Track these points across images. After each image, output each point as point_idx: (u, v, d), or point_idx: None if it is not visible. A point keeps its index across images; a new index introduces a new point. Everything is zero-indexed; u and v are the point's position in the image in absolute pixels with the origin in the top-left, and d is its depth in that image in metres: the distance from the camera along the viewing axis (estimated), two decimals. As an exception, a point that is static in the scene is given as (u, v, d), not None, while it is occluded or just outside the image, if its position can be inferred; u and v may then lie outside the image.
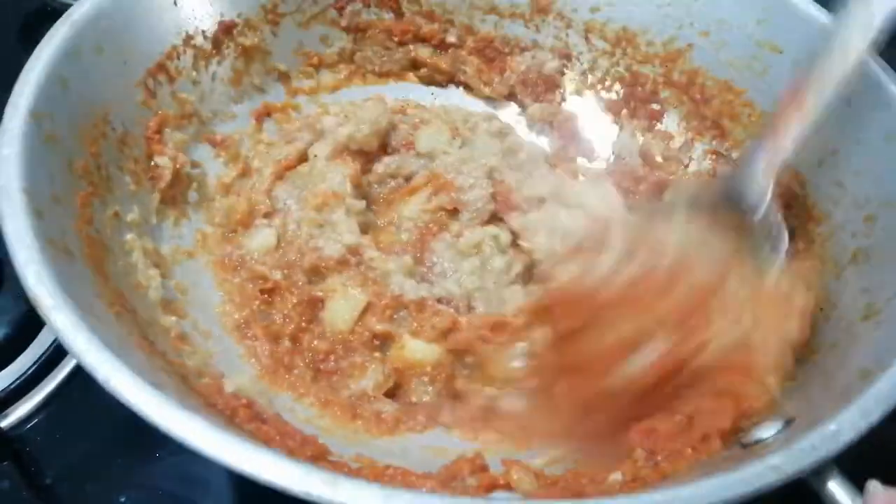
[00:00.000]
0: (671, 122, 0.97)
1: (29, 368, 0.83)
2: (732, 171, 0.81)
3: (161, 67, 0.83)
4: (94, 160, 0.72)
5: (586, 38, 1.00)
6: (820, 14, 0.83)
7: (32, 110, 0.66)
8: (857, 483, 0.53)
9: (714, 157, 0.94)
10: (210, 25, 0.88)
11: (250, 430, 0.61)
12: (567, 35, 1.00)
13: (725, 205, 0.77)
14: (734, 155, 0.92)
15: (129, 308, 0.66)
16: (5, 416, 0.81)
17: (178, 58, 0.85)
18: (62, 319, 0.53)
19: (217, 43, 0.89)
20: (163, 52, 0.83)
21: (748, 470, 0.50)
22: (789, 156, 0.75)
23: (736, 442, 0.61)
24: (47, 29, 0.74)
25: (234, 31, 0.90)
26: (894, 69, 0.77)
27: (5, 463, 0.76)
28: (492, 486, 0.63)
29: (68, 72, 0.71)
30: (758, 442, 0.58)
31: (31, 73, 0.68)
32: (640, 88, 0.98)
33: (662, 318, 0.68)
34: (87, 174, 0.71)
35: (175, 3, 0.84)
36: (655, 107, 0.98)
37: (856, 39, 0.72)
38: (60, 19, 0.73)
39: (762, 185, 0.76)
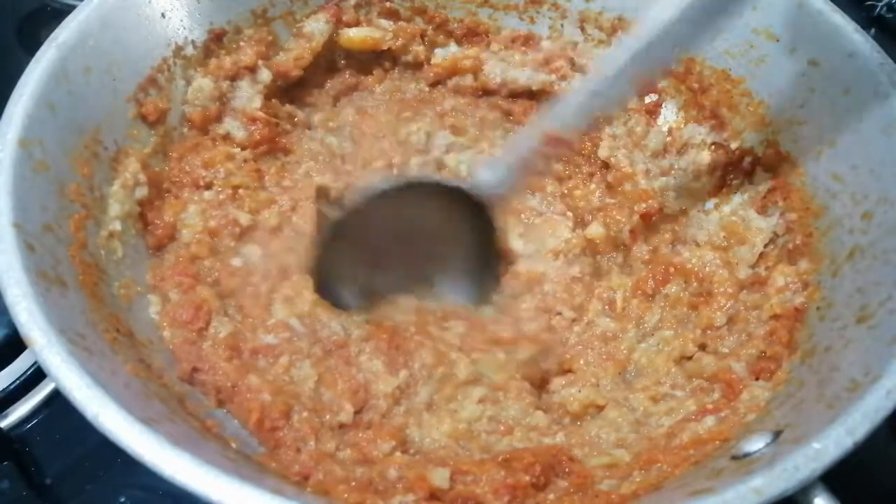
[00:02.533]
0: (669, 113, 0.96)
1: (29, 368, 0.85)
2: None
3: (152, 81, 0.83)
4: (86, 181, 0.73)
5: (581, 28, 0.98)
6: (816, 1, 0.81)
7: (22, 139, 0.67)
8: (844, 499, 0.53)
9: (713, 147, 0.92)
10: (200, 35, 0.87)
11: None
12: (562, 26, 0.99)
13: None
14: (733, 145, 0.90)
15: (124, 331, 0.68)
16: (5, 416, 0.83)
17: (169, 69, 0.85)
18: (52, 359, 0.55)
19: (208, 52, 0.88)
20: (153, 66, 0.83)
21: (729, 493, 0.50)
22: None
23: (726, 454, 0.61)
24: (47, 29, 0.74)
25: (225, 39, 0.90)
26: (894, 59, 0.76)
27: (5, 463, 0.78)
28: None
29: (56, 95, 0.72)
30: (746, 455, 0.58)
31: (19, 101, 0.68)
32: (636, 78, 0.96)
33: None
34: (80, 196, 0.71)
35: (163, 16, 0.84)
36: (654, 97, 0.96)
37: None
38: (46, 42, 0.73)
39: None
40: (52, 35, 0.74)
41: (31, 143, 0.67)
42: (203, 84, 0.86)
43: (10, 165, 0.65)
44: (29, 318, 0.57)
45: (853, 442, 0.53)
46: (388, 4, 0.99)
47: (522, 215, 0.93)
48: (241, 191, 0.85)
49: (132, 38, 0.81)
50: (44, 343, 0.56)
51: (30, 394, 0.84)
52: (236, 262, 0.81)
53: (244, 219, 0.83)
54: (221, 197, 0.83)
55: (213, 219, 0.81)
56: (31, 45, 0.72)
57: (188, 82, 0.86)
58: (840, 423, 0.54)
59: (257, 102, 0.89)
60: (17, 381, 0.85)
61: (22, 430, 0.82)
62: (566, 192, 0.95)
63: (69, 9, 0.77)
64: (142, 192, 0.78)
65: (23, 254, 0.60)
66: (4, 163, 0.65)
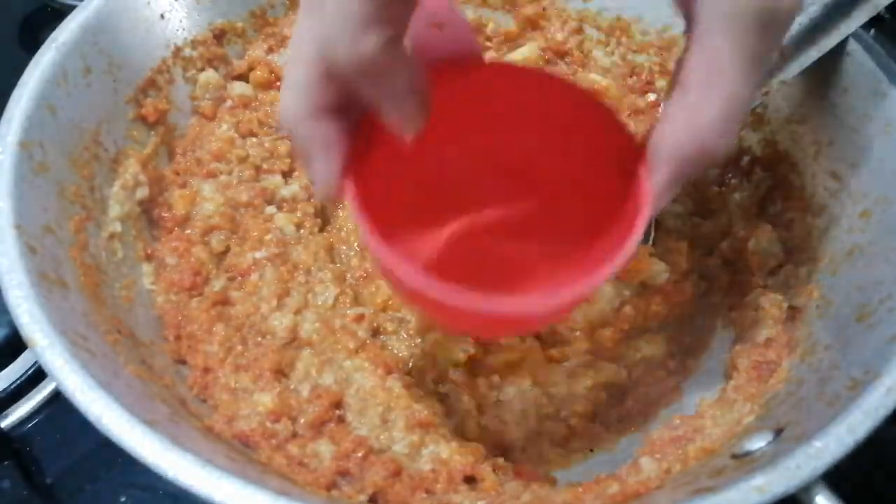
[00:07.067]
0: (667, 113, 0.96)
1: (29, 368, 0.85)
2: None
3: (151, 82, 0.83)
4: (86, 183, 0.73)
5: (579, 28, 0.98)
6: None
7: (21, 141, 0.67)
8: (846, 496, 0.53)
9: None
10: (199, 36, 0.87)
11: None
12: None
13: None
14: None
15: (126, 332, 0.68)
16: (6, 415, 0.83)
17: (169, 71, 0.85)
18: (55, 360, 0.55)
19: (207, 52, 0.88)
20: (153, 67, 0.83)
21: (731, 492, 0.50)
22: None
23: (726, 453, 0.61)
24: (47, 29, 0.74)
25: (224, 40, 0.90)
26: (892, 58, 0.76)
27: (6, 462, 0.78)
28: None
29: (56, 97, 0.72)
30: (747, 454, 0.58)
31: (18, 102, 0.68)
32: (635, 79, 0.97)
33: None
34: (80, 198, 0.71)
35: (162, 17, 0.84)
36: (652, 96, 0.96)
37: None
38: (45, 43, 0.73)
39: None
40: (52, 36, 0.74)
41: (31, 144, 0.68)
42: (210, 77, 0.87)
43: (10, 167, 0.65)
44: (30, 320, 0.57)
45: (854, 440, 0.53)
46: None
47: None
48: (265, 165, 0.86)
49: (132, 39, 0.81)
50: (46, 345, 0.56)
51: (30, 394, 0.84)
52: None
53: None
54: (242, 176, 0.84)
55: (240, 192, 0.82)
56: (31, 45, 0.72)
57: (188, 83, 0.87)
58: (841, 421, 0.54)
59: None
60: (18, 381, 0.85)
61: (22, 430, 0.82)
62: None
63: (69, 9, 0.77)
64: (143, 192, 0.78)
65: (24, 255, 0.60)
66: (5, 165, 0.65)
